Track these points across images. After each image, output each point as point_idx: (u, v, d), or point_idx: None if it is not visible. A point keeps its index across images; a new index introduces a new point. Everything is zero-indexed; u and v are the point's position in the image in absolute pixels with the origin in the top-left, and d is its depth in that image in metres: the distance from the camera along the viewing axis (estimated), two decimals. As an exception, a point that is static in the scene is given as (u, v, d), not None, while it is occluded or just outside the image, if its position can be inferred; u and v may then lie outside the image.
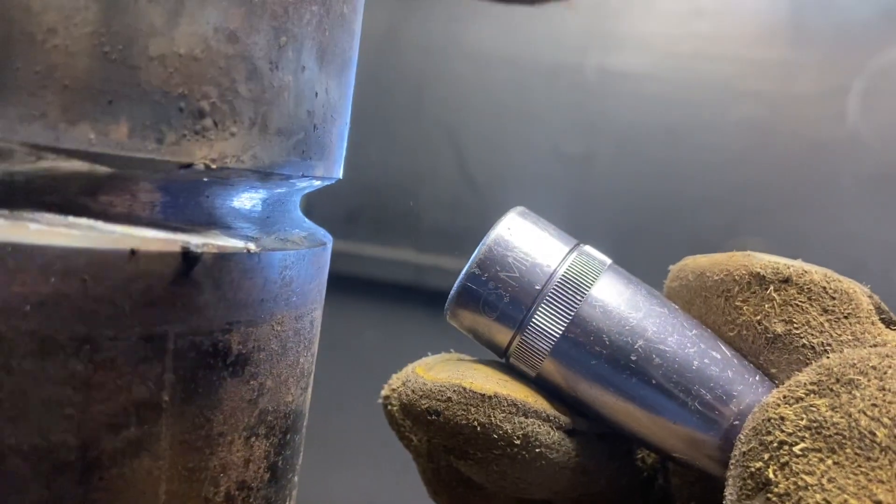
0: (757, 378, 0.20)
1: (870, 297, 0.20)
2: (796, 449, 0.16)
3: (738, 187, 0.74)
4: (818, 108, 0.72)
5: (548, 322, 0.20)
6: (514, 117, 0.83)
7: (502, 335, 0.21)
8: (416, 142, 0.84)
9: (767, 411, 0.17)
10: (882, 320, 0.20)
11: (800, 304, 0.20)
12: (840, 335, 0.20)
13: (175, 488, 0.17)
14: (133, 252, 0.15)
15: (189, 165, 0.16)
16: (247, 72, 0.16)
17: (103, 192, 0.16)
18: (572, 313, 0.20)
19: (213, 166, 0.16)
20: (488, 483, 0.22)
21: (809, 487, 0.15)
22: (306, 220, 0.22)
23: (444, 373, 0.21)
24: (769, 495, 0.16)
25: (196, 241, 0.16)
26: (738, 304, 0.21)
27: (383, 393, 0.24)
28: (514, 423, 0.20)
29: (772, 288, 0.20)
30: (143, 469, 0.16)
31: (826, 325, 0.20)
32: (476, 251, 0.21)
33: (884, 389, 0.16)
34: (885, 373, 0.16)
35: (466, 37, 0.82)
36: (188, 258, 0.16)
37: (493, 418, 0.20)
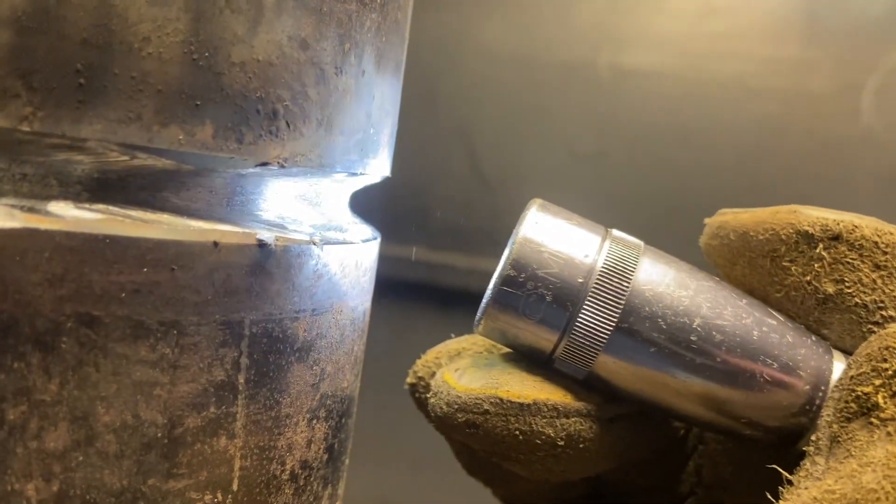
0: (813, 339, 0.20)
1: None
2: None
3: (751, 185, 0.75)
4: (832, 106, 0.73)
5: (597, 317, 0.19)
6: (527, 115, 0.84)
7: (546, 339, 0.19)
8: (428, 140, 0.85)
9: (887, 339, 0.16)
10: None
11: (851, 261, 0.19)
12: (893, 290, 0.19)
13: (247, 465, 0.18)
14: (216, 244, 0.16)
15: (265, 164, 0.17)
16: (315, 76, 0.17)
17: (185, 189, 0.17)
18: (622, 303, 0.19)
19: (285, 164, 0.17)
20: (531, 476, 0.21)
21: None
22: (357, 215, 0.23)
23: (476, 381, 0.20)
24: (872, 419, 0.16)
25: (269, 234, 0.17)
26: (785, 264, 0.20)
27: (408, 380, 0.24)
28: (557, 426, 0.19)
29: (821, 246, 0.20)
30: (220, 447, 0.17)
31: (878, 281, 0.19)
32: (506, 252, 0.19)
33: None
34: None
35: (479, 35, 0.83)
36: (263, 250, 0.17)
37: (534, 425, 0.19)
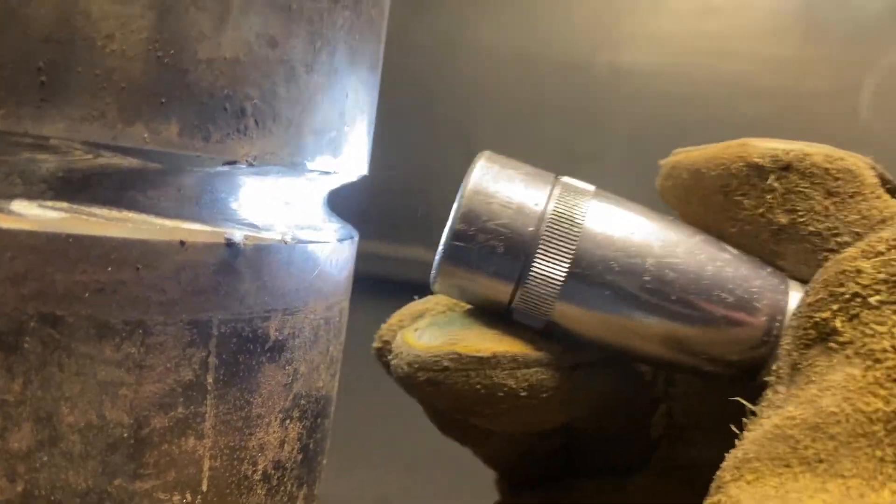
0: (769, 270, 0.20)
1: (872, 168, 0.20)
2: (871, 300, 0.15)
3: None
4: (831, 105, 0.72)
5: (550, 264, 0.19)
6: (525, 115, 0.84)
7: (502, 291, 0.19)
8: (426, 140, 0.85)
9: (842, 264, 0.16)
10: (887, 190, 0.19)
11: (802, 190, 0.19)
12: (847, 216, 0.19)
13: (217, 465, 0.18)
14: (182, 243, 0.16)
15: (232, 162, 0.17)
16: (285, 74, 0.17)
17: (152, 188, 0.17)
18: (573, 248, 0.19)
19: (255, 163, 0.17)
20: (499, 428, 0.21)
21: (877, 335, 0.15)
22: (334, 214, 0.23)
23: (436, 339, 0.20)
24: (831, 344, 0.15)
25: (237, 233, 0.17)
26: (737, 198, 0.20)
27: (374, 345, 0.24)
28: (518, 377, 0.19)
29: (772, 177, 0.19)
30: (188, 447, 0.17)
31: (832, 207, 0.19)
32: (455, 206, 0.19)
33: None
34: None
35: (476, 34, 0.82)
36: (232, 249, 0.17)
37: (494, 378, 0.19)
